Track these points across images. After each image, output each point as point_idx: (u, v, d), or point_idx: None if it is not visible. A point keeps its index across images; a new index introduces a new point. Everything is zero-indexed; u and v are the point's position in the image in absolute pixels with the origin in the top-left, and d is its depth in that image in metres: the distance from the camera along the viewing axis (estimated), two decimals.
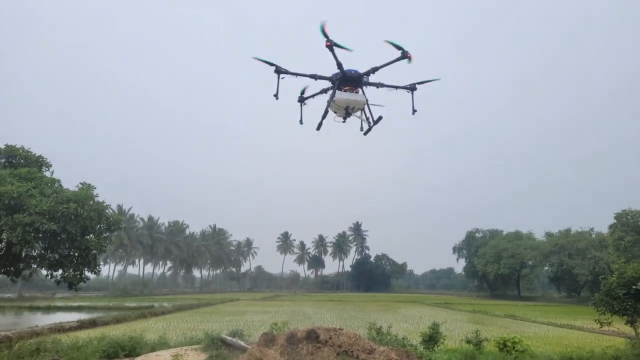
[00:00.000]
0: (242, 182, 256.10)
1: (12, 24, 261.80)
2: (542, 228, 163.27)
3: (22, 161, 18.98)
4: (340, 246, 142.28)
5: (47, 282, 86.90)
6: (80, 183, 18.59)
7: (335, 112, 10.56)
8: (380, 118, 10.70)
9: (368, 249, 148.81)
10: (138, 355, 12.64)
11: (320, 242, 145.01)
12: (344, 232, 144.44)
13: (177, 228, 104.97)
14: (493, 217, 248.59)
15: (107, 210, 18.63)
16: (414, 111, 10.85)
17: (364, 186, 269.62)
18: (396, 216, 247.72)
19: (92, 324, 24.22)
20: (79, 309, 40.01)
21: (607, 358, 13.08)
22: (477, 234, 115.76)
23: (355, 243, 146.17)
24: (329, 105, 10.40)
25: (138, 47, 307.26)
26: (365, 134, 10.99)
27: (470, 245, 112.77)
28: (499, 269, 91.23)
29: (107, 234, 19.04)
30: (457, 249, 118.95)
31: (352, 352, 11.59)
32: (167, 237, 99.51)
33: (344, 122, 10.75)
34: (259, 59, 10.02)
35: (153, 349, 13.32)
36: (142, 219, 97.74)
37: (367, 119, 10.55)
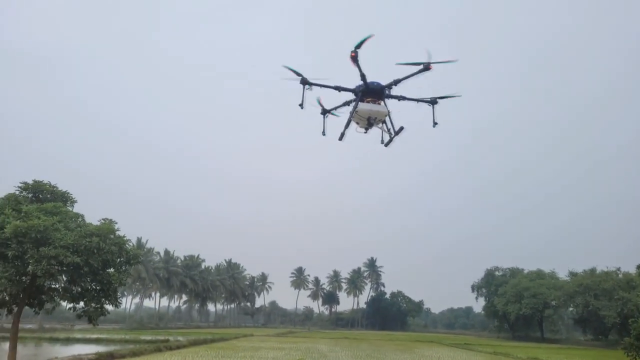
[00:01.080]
0: (255, 219, 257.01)
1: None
2: (565, 267, 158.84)
3: (49, 196, 19.62)
4: (355, 282, 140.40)
5: (67, 314, 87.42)
6: (103, 218, 19.11)
7: (357, 123, 10.79)
8: (401, 128, 10.84)
9: (383, 286, 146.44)
10: None
11: (335, 277, 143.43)
12: (359, 268, 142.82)
13: (192, 262, 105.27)
14: (514, 254, 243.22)
15: (127, 244, 18.99)
16: (435, 124, 10.95)
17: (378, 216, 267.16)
18: (413, 252, 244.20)
19: (109, 356, 24.24)
20: (97, 341, 40.16)
21: None
22: (496, 272, 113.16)
23: (370, 279, 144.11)
24: (351, 115, 10.62)
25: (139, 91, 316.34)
26: (386, 145, 11.27)
27: (490, 284, 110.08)
28: (520, 309, 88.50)
29: (127, 267, 19.36)
30: (476, 288, 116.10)
31: None
32: (183, 271, 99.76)
33: (365, 132, 10.93)
34: (289, 68, 10.38)
35: None
36: (158, 253, 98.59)
37: (389, 130, 10.70)
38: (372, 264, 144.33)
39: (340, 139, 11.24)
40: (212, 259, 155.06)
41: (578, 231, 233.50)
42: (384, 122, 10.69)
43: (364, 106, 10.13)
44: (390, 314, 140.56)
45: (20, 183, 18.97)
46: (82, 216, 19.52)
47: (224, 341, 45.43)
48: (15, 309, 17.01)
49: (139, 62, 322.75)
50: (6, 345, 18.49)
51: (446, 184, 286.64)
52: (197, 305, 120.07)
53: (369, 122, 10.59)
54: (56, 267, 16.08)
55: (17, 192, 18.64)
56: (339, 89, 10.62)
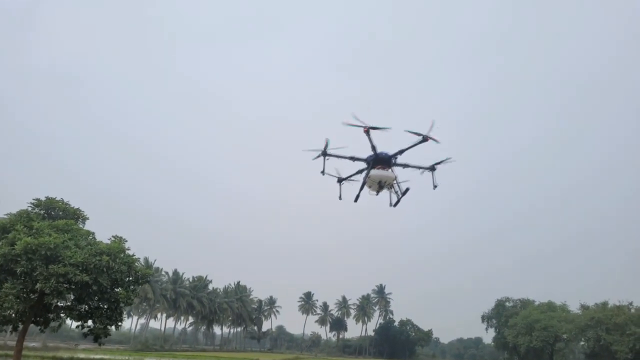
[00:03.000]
0: (265, 243, 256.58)
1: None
2: (577, 300, 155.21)
3: (61, 213, 19.92)
4: (364, 309, 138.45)
5: (71, 333, 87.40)
6: (113, 236, 19.33)
7: (369, 187, 11.94)
8: (407, 190, 12.03)
9: (392, 314, 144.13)
10: None
11: (343, 303, 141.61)
12: (368, 295, 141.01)
13: (200, 283, 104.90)
14: (524, 284, 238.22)
15: (136, 264, 19.17)
16: (435, 186, 12.22)
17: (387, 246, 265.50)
18: (422, 281, 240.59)
19: None
20: None
21: None
22: (507, 303, 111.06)
23: (378, 306, 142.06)
24: (364, 180, 11.76)
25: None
26: (394, 206, 12.35)
27: (500, 315, 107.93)
28: (531, 341, 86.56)
29: (135, 287, 19.48)
30: (486, 318, 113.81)
31: None
32: (190, 292, 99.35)
33: (377, 195, 12.07)
34: (314, 157, 11.79)
35: None
36: (166, 273, 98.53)
37: (397, 192, 11.64)
38: (381, 291, 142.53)
39: (356, 200, 12.43)
40: (220, 281, 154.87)
41: (592, 267, 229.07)
42: (392, 185, 11.87)
43: (375, 172, 11.58)
44: (399, 342, 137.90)
45: (33, 199, 19.39)
46: (93, 234, 19.79)
47: None
48: (21, 326, 17.16)
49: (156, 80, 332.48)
50: None
51: (463, 219, 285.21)
52: (203, 328, 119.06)
53: (379, 186, 12.03)
54: (65, 285, 16.26)
55: (30, 209, 19.02)
56: (353, 159, 12.04)
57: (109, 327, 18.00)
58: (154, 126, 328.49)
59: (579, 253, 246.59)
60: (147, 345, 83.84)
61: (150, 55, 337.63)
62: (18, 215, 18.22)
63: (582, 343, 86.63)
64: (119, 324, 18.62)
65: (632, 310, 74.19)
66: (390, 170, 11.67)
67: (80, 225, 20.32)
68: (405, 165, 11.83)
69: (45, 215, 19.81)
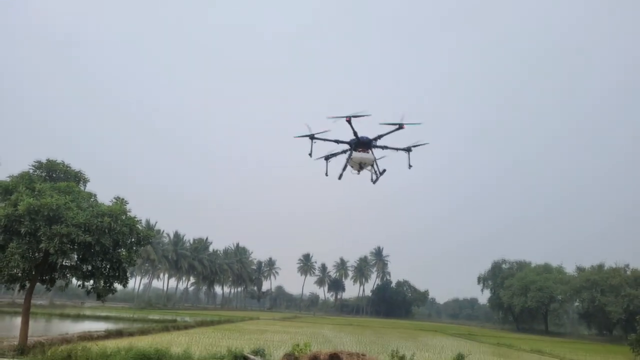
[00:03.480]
0: (266, 204, 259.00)
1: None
2: (573, 262, 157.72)
3: (62, 175, 19.82)
4: (362, 270, 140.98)
5: (77, 291, 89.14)
6: (114, 198, 19.30)
7: (352, 167, 13.64)
8: (384, 170, 13.62)
9: (389, 275, 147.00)
10: None
11: (342, 265, 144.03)
12: (366, 257, 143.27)
13: (201, 245, 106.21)
14: (520, 246, 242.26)
15: (138, 225, 19.19)
16: (410, 166, 13.73)
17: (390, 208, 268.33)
18: (419, 242, 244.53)
19: (118, 334, 24.78)
20: (106, 318, 40.97)
21: None
22: (503, 265, 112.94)
23: (376, 268, 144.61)
24: (347, 161, 13.41)
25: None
26: (374, 182, 13.87)
27: (496, 276, 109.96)
28: (525, 302, 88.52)
29: (137, 247, 19.59)
30: (482, 279, 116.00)
31: None
32: (191, 254, 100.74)
33: (358, 173, 14.04)
34: (299, 136, 13.38)
35: None
36: (168, 235, 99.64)
37: (376, 171, 13.35)
38: (378, 253, 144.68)
39: (339, 178, 14.23)
40: (220, 243, 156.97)
41: (588, 228, 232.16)
42: (372, 166, 13.54)
43: (356, 154, 13.17)
44: (396, 303, 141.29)
45: (34, 162, 19.20)
46: (95, 196, 19.73)
47: (230, 323, 46.05)
48: (28, 285, 17.36)
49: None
50: (18, 320, 18.92)
51: (456, 181, 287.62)
52: (204, 288, 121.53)
53: (360, 166, 13.65)
54: (68, 245, 16.32)
55: (31, 171, 18.89)
56: (337, 141, 13.44)
57: (114, 285, 18.22)
58: (153, 90, 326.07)
59: (576, 212, 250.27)
60: (150, 303, 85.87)
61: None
62: (20, 177, 18.10)
63: (576, 304, 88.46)
64: (126, 281, 18.83)
65: (628, 272, 75.39)
66: (370, 152, 13.27)
67: (82, 188, 20.21)
68: (384, 147, 13.44)
69: (47, 177, 19.68)
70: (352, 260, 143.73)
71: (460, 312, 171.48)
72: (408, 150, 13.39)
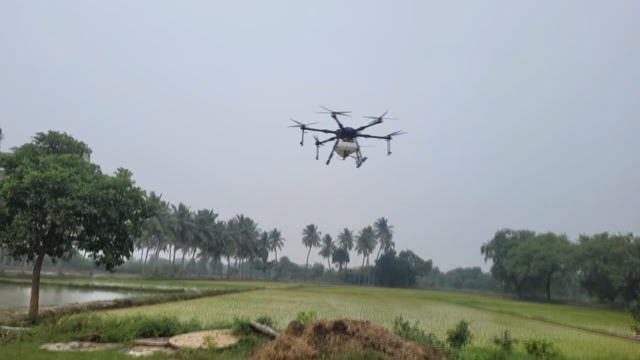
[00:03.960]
0: (271, 182, 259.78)
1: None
2: (577, 232, 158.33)
3: (65, 147, 19.71)
4: (366, 241, 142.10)
5: (85, 263, 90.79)
6: (118, 169, 19.22)
7: (338, 154, 15.20)
8: (365, 158, 15.29)
9: (393, 245, 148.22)
10: (172, 335, 13.14)
11: (346, 235, 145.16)
12: (370, 227, 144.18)
13: (206, 216, 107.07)
14: (526, 218, 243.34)
15: (142, 197, 19.18)
16: (389, 153, 15.30)
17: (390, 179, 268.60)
18: (424, 213, 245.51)
19: (127, 303, 25.21)
20: (114, 289, 41.61)
21: None
22: (507, 235, 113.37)
23: (380, 238, 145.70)
24: (334, 149, 15.01)
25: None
26: (358, 167, 15.36)
27: (500, 246, 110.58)
28: (528, 270, 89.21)
29: (142, 219, 19.65)
30: (485, 249, 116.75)
31: (378, 345, 11.72)
32: (197, 225, 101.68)
33: (343, 159, 15.55)
34: (292, 126, 14.83)
35: (186, 330, 13.82)
36: (173, 207, 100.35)
37: (359, 158, 14.96)
38: (383, 224, 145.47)
39: (327, 163, 15.58)
40: (225, 215, 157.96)
41: (592, 196, 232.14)
42: (355, 153, 14.97)
43: (341, 143, 14.72)
44: (399, 272, 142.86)
45: (37, 134, 19.07)
46: (99, 167, 19.66)
47: (236, 293, 46.80)
48: (36, 256, 17.52)
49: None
50: (29, 291, 19.19)
51: (456, 147, 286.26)
52: (210, 259, 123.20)
53: (345, 153, 15.11)
54: (74, 217, 16.37)
55: (34, 143, 18.79)
56: (326, 131, 14.92)
57: (120, 256, 18.34)
58: (159, 56, 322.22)
59: (576, 178, 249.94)
60: (157, 274, 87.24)
61: None
62: (23, 149, 17.99)
63: (578, 272, 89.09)
64: (130, 253, 18.94)
65: (632, 241, 75.53)
66: (354, 141, 14.84)
67: (85, 159, 20.11)
68: (367, 136, 15.05)
69: (50, 149, 19.56)
70: (356, 231, 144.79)
71: (464, 281, 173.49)
72: (388, 138, 15.08)
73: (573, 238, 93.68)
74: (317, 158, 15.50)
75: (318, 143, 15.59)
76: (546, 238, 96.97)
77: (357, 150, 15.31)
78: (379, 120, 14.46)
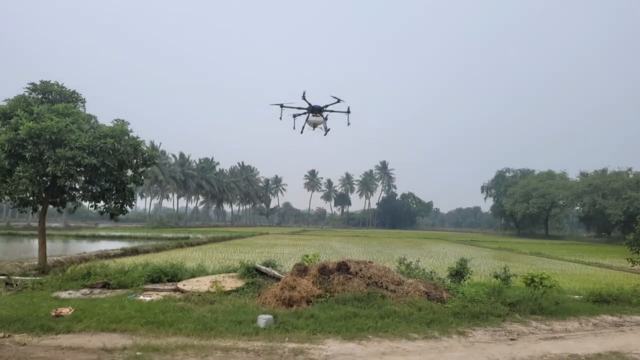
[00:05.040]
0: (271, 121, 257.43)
1: None
2: (578, 169, 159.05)
3: (58, 97, 19.30)
4: (367, 184, 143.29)
5: (90, 214, 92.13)
6: (115, 120, 18.93)
7: (309, 125, 18.21)
8: (329, 129, 18.54)
9: (395, 188, 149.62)
10: (179, 280, 13.46)
11: (347, 180, 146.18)
12: (371, 171, 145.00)
13: (207, 165, 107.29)
14: (528, 156, 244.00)
15: (142, 146, 19.01)
16: (349, 124, 18.65)
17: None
18: (425, 154, 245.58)
19: (134, 252, 25.74)
20: (120, 238, 42.40)
21: (637, 295, 13.12)
22: (507, 174, 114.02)
23: (382, 181, 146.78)
24: (306, 121, 18.20)
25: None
26: (325, 135, 18.76)
27: (500, 185, 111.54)
28: (527, 208, 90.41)
29: (143, 168, 19.59)
30: (485, 188, 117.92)
31: (381, 283, 12.02)
32: (198, 174, 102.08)
33: (313, 130, 18.44)
34: (273, 104, 17.91)
35: (193, 275, 14.14)
36: (173, 155, 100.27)
37: (325, 128, 18.36)
38: (383, 167, 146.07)
39: (301, 133, 18.76)
40: (226, 163, 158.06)
41: (593, 131, 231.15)
42: (322, 124, 18.21)
43: (311, 118, 17.92)
44: (400, 214, 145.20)
45: (28, 84, 18.59)
46: (95, 117, 19.34)
47: (241, 239, 47.72)
48: (40, 207, 17.61)
49: None
50: (36, 242, 19.52)
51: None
52: (213, 206, 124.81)
53: (314, 125, 18.15)
54: (74, 168, 16.29)
55: (27, 94, 18.37)
56: (299, 108, 18.12)
57: (124, 206, 18.44)
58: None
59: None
60: (162, 223, 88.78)
61: None
62: (16, 100, 17.57)
63: (577, 208, 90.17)
64: (132, 203, 19.02)
65: (631, 176, 75.94)
66: (320, 116, 18.05)
67: (80, 109, 19.72)
68: (331, 111, 18.13)
69: (44, 99, 19.12)
70: (357, 175, 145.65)
71: (464, 220, 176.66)
72: (348, 112, 18.38)
73: (573, 175, 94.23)
74: (294, 128, 18.69)
75: (295, 115, 18.84)
76: (546, 176, 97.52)
77: (324, 122, 18.50)
78: (339, 101, 17.77)
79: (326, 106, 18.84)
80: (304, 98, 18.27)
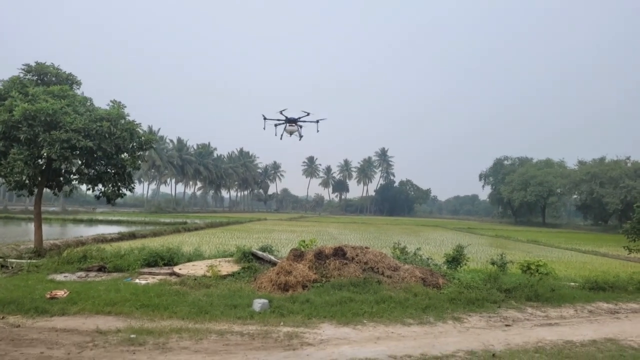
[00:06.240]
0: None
1: None
2: (577, 157, 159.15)
3: (53, 79, 19.04)
4: (365, 171, 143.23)
5: (88, 198, 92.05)
6: (111, 101, 18.68)
7: (287, 133, 22.01)
8: (302, 136, 22.27)
9: (393, 175, 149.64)
10: (176, 264, 13.44)
11: (345, 166, 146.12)
12: (369, 158, 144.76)
13: (205, 150, 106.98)
14: (524, 143, 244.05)
15: (138, 129, 18.82)
16: (318, 131, 22.15)
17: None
18: (423, 142, 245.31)
19: (131, 236, 25.71)
20: (118, 222, 42.35)
21: (633, 283, 13.16)
22: (505, 162, 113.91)
23: (380, 168, 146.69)
24: (284, 130, 22.04)
25: None
26: (299, 140, 22.56)
27: (498, 173, 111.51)
28: (525, 196, 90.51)
29: (140, 152, 19.41)
30: (483, 176, 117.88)
31: (377, 269, 12.02)
32: (196, 159, 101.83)
33: (290, 136, 22.14)
34: (264, 117, 21.90)
35: (189, 260, 14.12)
36: (171, 141, 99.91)
37: (299, 135, 22.13)
38: (383, 154, 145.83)
39: (281, 139, 22.27)
40: (224, 149, 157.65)
41: (595, 121, 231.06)
42: (297, 132, 21.97)
43: (288, 127, 21.70)
44: (398, 201, 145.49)
45: (23, 65, 18.32)
46: (91, 100, 19.11)
47: (239, 224, 47.77)
48: (36, 190, 17.49)
49: None
50: (33, 226, 19.41)
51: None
52: (211, 192, 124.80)
53: (290, 133, 21.87)
54: (70, 151, 16.11)
55: (22, 75, 18.11)
56: (279, 119, 21.82)
57: (121, 190, 18.28)
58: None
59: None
60: (160, 208, 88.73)
61: None
62: (11, 81, 17.32)
63: (574, 196, 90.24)
64: (132, 187, 18.88)
65: (629, 164, 75.89)
66: (295, 125, 21.92)
67: (77, 91, 19.46)
68: (303, 121, 21.97)
69: (39, 81, 18.85)
70: (355, 162, 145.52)
71: (461, 208, 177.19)
72: (317, 121, 21.93)
73: (571, 163, 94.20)
74: (275, 135, 22.48)
75: (276, 125, 22.73)
76: (544, 164, 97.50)
77: (298, 131, 22.45)
78: (308, 114, 21.96)
79: (300, 117, 22.92)
80: (281, 112, 22.59)
